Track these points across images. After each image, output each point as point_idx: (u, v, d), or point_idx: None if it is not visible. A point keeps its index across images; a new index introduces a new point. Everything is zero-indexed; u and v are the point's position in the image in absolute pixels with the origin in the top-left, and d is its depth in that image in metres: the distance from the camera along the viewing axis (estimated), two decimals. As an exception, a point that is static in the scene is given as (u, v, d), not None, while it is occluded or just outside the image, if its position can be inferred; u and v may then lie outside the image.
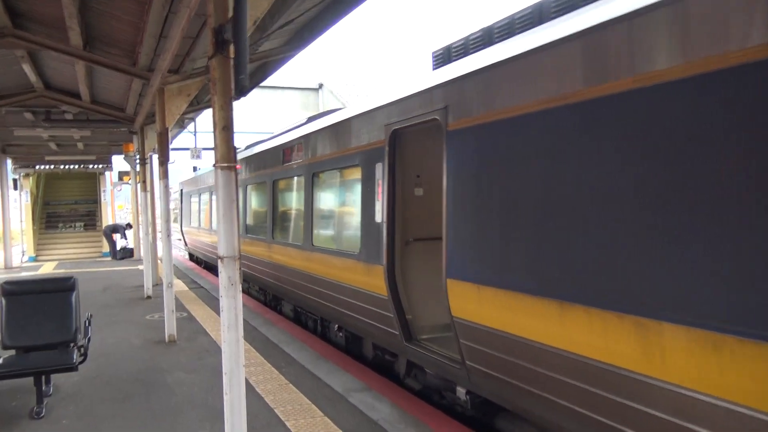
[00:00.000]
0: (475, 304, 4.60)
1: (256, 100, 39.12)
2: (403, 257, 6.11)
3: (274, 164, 10.11)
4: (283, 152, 9.56)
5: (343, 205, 7.43)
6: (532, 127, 3.99)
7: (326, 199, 8.01)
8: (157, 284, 13.80)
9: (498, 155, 4.33)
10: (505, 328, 4.28)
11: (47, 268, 18.77)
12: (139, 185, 14.07)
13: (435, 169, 5.90)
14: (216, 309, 10.74)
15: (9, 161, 20.95)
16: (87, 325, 5.82)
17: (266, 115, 38.34)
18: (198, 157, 17.41)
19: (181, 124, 14.87)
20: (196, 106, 12.03)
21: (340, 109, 8.70)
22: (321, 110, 39.67)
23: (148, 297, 12.13)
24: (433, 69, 5.88)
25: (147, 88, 9.62)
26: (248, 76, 3.51)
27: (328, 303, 7.69)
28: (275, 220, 10.11)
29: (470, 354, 4.79)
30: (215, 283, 14.25)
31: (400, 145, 6.04)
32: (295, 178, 9.02)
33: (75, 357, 5.51)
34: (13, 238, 20.50)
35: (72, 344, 5.81)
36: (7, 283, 5.90)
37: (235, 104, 3.87)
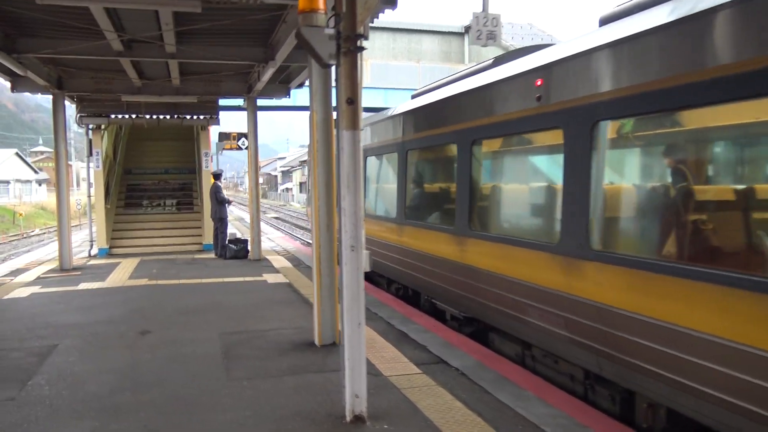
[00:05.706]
0: None
1: (382, 46, 31.20)
2: None
3: None
4: None
5: None
6: None
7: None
8: (335, 344, 6.24)
9: None
10: None
11: (123, 273, 11.76)
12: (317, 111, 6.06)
13: None
14: None
15: (72, 106, 14.17)
16: None
17: (393, 69, 30.42)
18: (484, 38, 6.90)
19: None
20: None
21: None
22: (467, 62, 31.14)
23: (357, 419, 4.41)
24: None
25: None
26: None
27: None
28: None
29: None
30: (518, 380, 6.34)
31: None
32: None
33: None
34: (75, 218, 13.76)
35: None
36: None
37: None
